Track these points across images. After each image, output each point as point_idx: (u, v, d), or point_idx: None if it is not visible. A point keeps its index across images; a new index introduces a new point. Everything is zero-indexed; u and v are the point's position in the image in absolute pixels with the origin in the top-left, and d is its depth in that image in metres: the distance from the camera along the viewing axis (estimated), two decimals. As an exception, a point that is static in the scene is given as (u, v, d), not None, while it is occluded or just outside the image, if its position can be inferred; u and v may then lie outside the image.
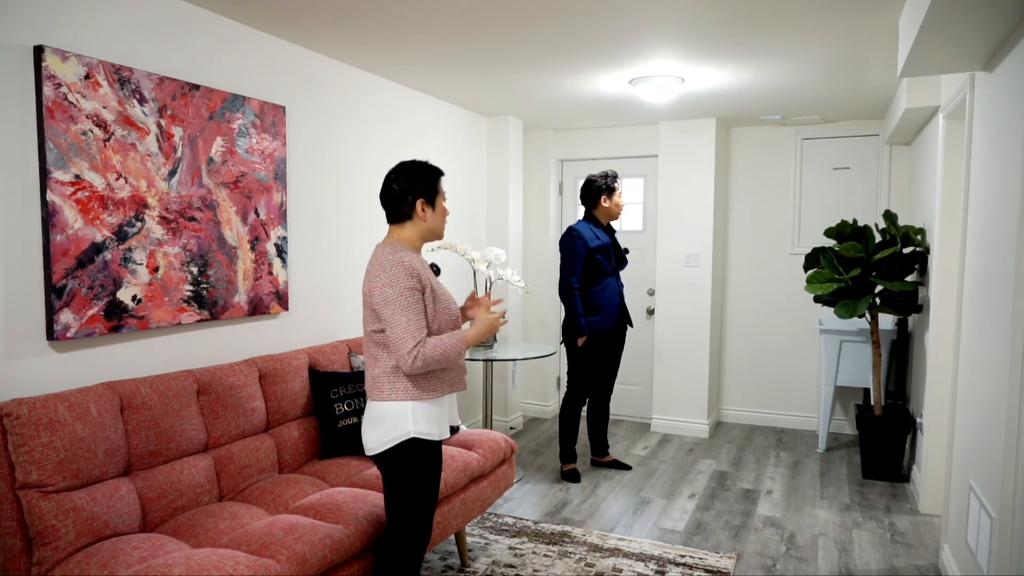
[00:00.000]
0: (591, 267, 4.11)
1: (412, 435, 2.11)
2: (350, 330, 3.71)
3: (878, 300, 4.21)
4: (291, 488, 2.59)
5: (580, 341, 4.11)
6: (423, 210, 2.20)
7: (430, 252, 4.43)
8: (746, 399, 5.59)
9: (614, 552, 3.24)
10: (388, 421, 2.12)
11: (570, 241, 4.10)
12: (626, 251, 4.40)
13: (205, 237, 2.79)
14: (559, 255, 4.23)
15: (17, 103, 2.16)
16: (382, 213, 3.96)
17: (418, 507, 2.17)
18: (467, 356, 4.00)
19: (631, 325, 4.34)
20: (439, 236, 2.28)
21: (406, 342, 2.05)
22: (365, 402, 3.00)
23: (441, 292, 2.22)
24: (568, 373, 4.29)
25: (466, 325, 2.81)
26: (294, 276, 3.32)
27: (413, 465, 2.14)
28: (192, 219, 2.73)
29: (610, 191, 4.14)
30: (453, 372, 2.22)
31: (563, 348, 5.61)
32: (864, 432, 4.28)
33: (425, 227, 2.22)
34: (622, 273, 4.77)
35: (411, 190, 2.18)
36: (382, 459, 2.16)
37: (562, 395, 5.32)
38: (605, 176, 4.15)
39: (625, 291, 4.82)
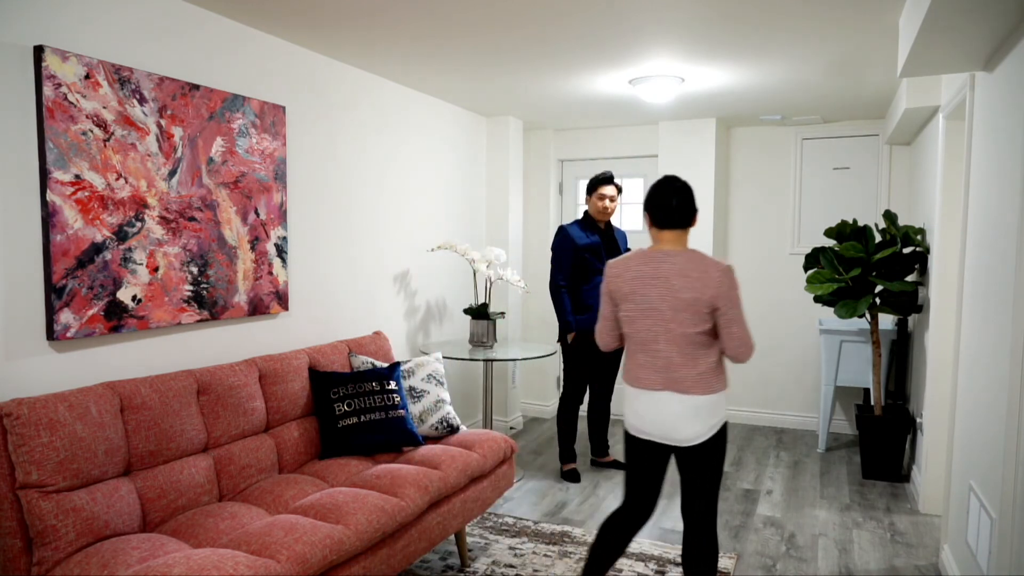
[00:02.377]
0: (580, 266, 4.14)
1: (725, 418, 2.41)
2: (350, 330, 3.72)
3: (878, 300, 4.21)
4: (291, 488, 2.59)
5: (569, 337, 4.14)
6: (695, 219, 2.45)
7: (429, 252, 4.43)
8: (746, 399, 5.59)
9: (614, 552, 3.24)
10: (714, 410, 2.34)
11: (558, 240, 4.18)
12: (628, 251, 4.40)
13: (205, 237, 2.79)
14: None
15: (17, 103, 2.16)
16: (381, 213, 3.97)
17: (721, 475, 2.46)
18: (468, 356, 4.01)
19: None
20: None
21: (751, 335, 2.48)
22: (367, 402, 3.00)
23: None
24: (563, 372, 4.31)
25: None
26: (294, 276, 3.32)
27: (725, 442, 2.42)
28: (192, 219, 2.73)
29: (591, 190, 4.19)
30: None
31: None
32: (864, 432, 4.28)
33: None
34: None
35: (694, 201, 2.41)
36: (703, 444, 2.36)
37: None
38: (596, 175, 4.19)
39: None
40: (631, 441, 2.47)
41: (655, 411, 2.35)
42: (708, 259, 2.31)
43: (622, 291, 2.38)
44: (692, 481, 2.41)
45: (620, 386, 5.59)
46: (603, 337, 2.52)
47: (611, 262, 2.44)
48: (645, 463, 2.45)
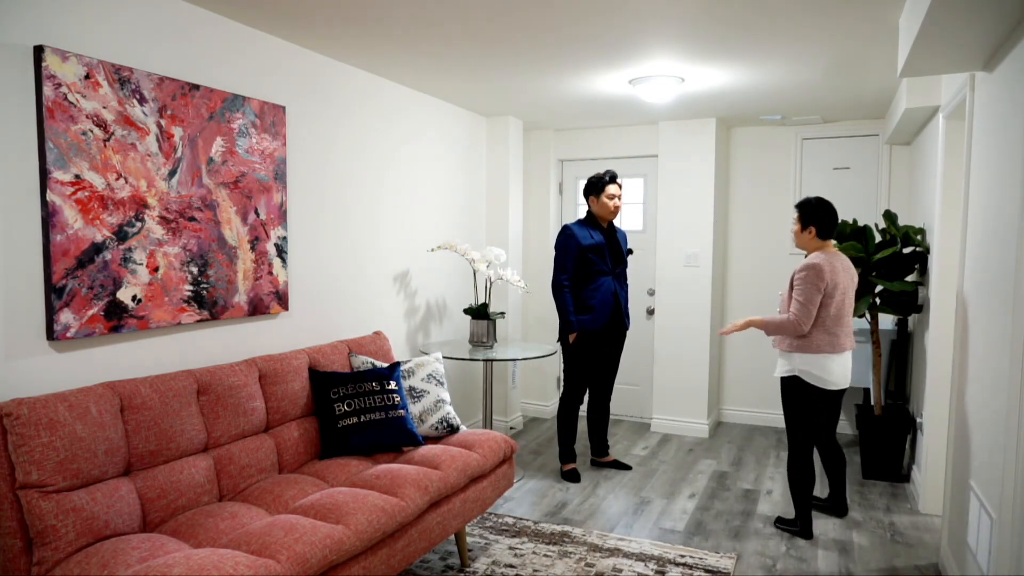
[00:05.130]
0: (584, 266, 4.12)
1: None
2: (350, 330, 3.72)
3: (878, 300, 4.21)
4: (291, 488, 2.59)
5: (571, 338, 4.13)
6: None
7: (429, 252, 4.44)
8: (746, 399, 5.59)
9: (614, 552, 3.24)
10: None
11: (562, 240, 4.16)
12: (630, 252, 4.39)
13: (205, 237, 2.79)
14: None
15: (17, 103, 2.16)
16: (381, 213, 3.97)
17: None
18: (468, 356, 4.01)
19: (626, 327, 4.32)
20: None
21: None
22: (367, 402, 3.01)
23: None
24: (563, 372, 4.31)
25: None
26: (294, 276, 3.32)
27: None
28: (192, 219, 2.73)
29: (598, 191, 4.15)
30: None
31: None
32: (864, 432, 4.28)
33: None
34: (628, 275, 4.77)
35: None
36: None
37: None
38: (599, 175, 4.16)
39: (628, 292, 4.80)
40: (824, 395, 3.32)
41: (847, 365, 3.33)
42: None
43: (835, 282, 3.21)
44: (837, 413, 3.54)
45: (619, 386, 5.59)
46: (811, 320, 3.21)
47: (820, 262, 3.21)
48: (823, 409, 3.38)
